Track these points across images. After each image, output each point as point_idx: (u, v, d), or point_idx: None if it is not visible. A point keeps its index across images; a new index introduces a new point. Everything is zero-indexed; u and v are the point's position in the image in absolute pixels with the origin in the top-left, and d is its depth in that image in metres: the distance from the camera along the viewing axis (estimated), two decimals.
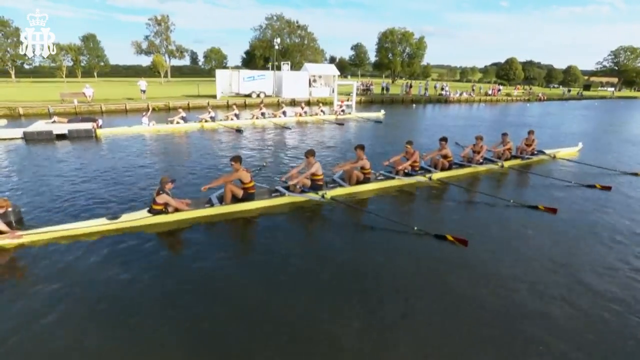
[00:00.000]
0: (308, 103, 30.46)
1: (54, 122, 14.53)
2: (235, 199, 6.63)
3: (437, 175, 8.81)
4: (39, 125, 13.98)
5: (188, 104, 25.50)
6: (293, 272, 4.79)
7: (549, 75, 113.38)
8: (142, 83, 26.28)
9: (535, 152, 11.40)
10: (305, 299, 4.24)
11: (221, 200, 6.68)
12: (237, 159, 6.54)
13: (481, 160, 9.94)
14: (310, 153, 7.18)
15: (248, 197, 6.68)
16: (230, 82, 29.17)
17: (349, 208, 6.82)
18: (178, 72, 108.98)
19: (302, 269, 4.92)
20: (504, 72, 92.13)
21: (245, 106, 27.51)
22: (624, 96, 70.62)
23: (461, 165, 9.70)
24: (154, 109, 23.84)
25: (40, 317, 3.85)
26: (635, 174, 9.86)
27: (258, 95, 29.30)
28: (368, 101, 33.98)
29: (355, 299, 4.21)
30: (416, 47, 77.98)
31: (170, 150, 12.08)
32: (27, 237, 5.40)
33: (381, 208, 7.01)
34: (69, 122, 14.68)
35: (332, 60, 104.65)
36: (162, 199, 5.93)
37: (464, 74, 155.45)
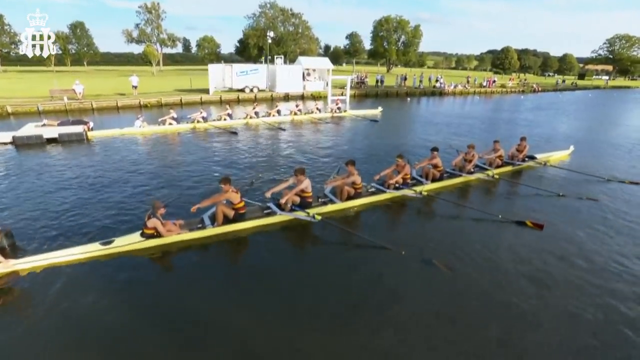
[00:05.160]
0: (302, 97, 30.27)
1: (44, 125, 14.29)
2: (227, 219, 6.69)
3: (427, 187, 8.87)
4: (29, 129, 13.77)
5: (180, 100, 25.22)
6: (282, 296, 4.93)
7: (545, 64, 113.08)
8: (134, 78, 25.85)
9: (526, 159, 11.51)
10: (293, 324, 4.38)
11: (213, 220, 6.72)
12: (226, 180, 6.56)
13: (472, 169, 10.02)
14: (299, 171, 7.20)
15: (239, 217, 6.73)
16: (223, 76, 28.79)
17: (339, 228, 6.86)
18: (171, 59, 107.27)
19: (291, 292, 5.04)
20: (499, 61, 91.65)
21: (238, 101, 27.29)
22: (617, 86, 70.93)
23: (452, 175, 9.76)
24: (145, 106, 23.67)
25: (32, 347, 3.99)
26: (623, 182, 10.04)
27: (251, 90, 29.02)
28: (362, 95, 33.79)
29: (341, 325, 4.34)
30: (412, 35, 77.31)
31: (162, 157, 11.98)
32: (20, 265, 5.43)
33: (370, 227, 7.11)
34: (59, 124, 14.45)
35: (326, 49, 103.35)
36: (152, 223, 5.93)
37: (459, 62, 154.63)
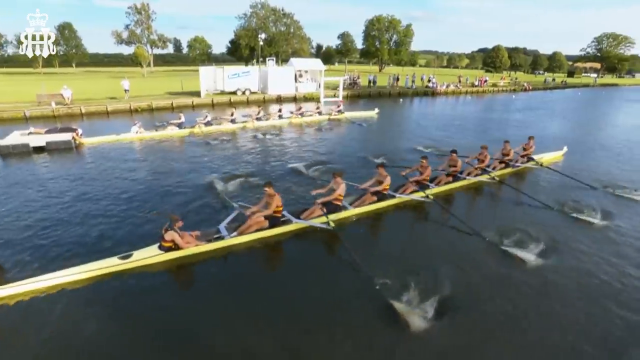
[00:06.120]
0: (294, 99, 30.17)
1: (31, 133, 14.00)
2: (262, 226, 6.73)
3: (434, 190, 9.04)
4: (15, 138, 13.46)
5: (172, 104, 24.94)
6: (301, 307, 5.01)
7: (535, 62, 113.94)
8: (125, 83, 25.57)
9: (526, 159, 11.75)
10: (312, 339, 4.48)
11: (230, 230, 6.69)
12: (270, 184, 6.75)
13: (480, 172, 10.23)
14: (337, 174, 7.45)
15: (277, 222, 6.82)
16: (214, 79, 28.48)
17: (348, 238, 6.62)
18: (162, 60, 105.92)
19: (311, 303, 5.12)
20: (490, 60, 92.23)
21: (230, 104, 27.03)
22: (605, 83, 71.82)
23: (457, 178, 9.80)
24: (136, 110, 23.36)
25: None
26: (617, 194, 9.60)
27: (243, 93, 28.77)
28: (355, 95, 33.74)
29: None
30: (403, 34, 77.53)
31: (161, 164, 11.68)
32: (26, 286, 5.22)
33: (374, 238, 7.25)
34: (46, 132, 14.16)
35: (318, 48, 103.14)
36: (170, 236, 5.90)
37: (451, 61, 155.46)
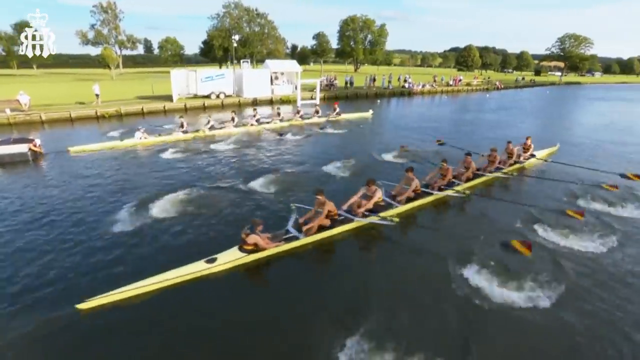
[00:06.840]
0: (271, 101, 29.52)
1: None
2: (322, 227, 7.03)
3: (464, 186, 9.77)
4: None
5: (142, 109, 23.69)
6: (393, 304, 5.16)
7: (504, 61, 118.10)
8: (96, 87, 24.11)
9: (529, 156, 12.59)
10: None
11: (298, 229, 6.94)
12: (321, 191, 7.04)
13: (492, 170, 10.98)
14: (371, 182, 7.81)
15: (335, 223, 7.18)
16: (187, 82, 27.29)
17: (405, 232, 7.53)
18: (132, 61, 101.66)
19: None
20: (462, 59, 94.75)
21: (204, 108, 26.09)
22: (570, 82, 75.37)
23: (476, 176, 10.55)
24: (103, 116, 22.04)
25: None
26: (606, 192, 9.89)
27: (218, 96, 27.81)
28: (332, 97, 33.37)
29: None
30: (378, 34, 78.21)
31: (164, 173, 11.08)
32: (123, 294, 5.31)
33: (427, 236, 7.56)
34: None
35: (294, 49, 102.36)
36: (252, 239, 6.15)
37: (424, 60, 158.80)
